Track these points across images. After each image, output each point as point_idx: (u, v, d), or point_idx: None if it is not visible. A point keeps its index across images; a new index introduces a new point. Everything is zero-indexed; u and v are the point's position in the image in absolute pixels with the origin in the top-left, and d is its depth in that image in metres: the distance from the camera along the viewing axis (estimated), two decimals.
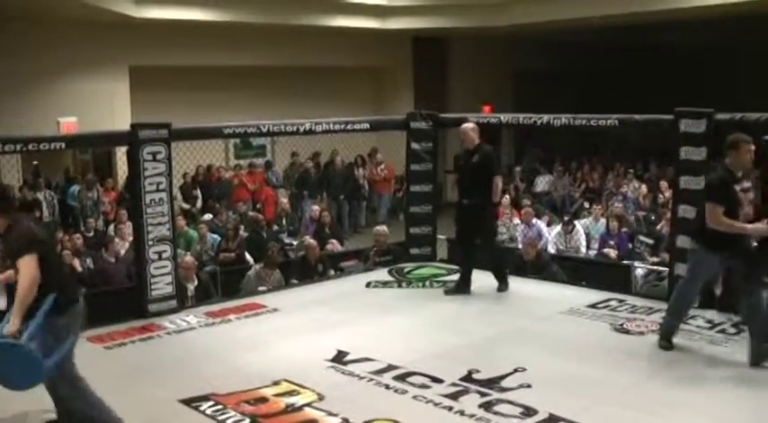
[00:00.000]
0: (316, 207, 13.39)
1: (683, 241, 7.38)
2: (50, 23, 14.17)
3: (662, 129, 8.06)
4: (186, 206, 14.13)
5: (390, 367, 6.11)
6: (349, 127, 9.73)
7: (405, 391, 5.65)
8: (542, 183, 17.48)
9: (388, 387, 5.75)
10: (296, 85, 17.83)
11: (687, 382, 5.78)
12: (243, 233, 11.64)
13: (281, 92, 17.41)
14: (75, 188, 13.83)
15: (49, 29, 14.26)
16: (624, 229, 11.72)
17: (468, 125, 8.54)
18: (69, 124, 13.37)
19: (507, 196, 13.17)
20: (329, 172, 16.64)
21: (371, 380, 5.91)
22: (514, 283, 8.62)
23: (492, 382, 5.76)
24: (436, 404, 5.40)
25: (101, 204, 13.12)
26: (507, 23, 17.36)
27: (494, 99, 16.58)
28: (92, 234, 11.44)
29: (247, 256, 10.96)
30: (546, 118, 8.98)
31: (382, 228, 10.76)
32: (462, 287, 8.47)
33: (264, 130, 9.00)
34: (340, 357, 6.42)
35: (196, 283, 9.09)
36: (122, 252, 9.94)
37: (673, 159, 8.03)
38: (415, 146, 9.93)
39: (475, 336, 7.01)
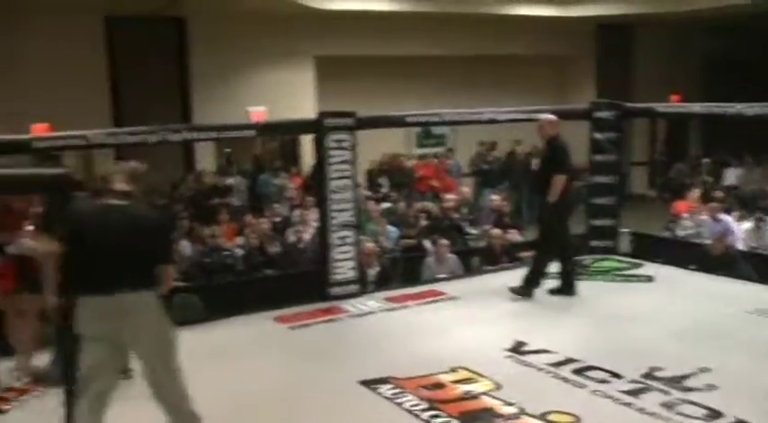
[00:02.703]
0: (496, 197, 13.30)
1: None
2: (240, 17, 14.78)
3: None
4: (370, 194, 14.40)
5: (569, 360, 6.03)
6: (532, 116, 9.62)
7: (583, 385, 5.57)
8: (732, 176, 16.65)
9: (566, 380, 5.69)
10: (475, 75, 17.78)
11: None
12: (423, 221, 11.75)
13: (459, 81, 17.42)
14: (265, 175, 14.39)
15: (239, 22, 14.88)
16: None
17: (545, 118, 8.18)
18: (258, 113, 13.90)
19: (696, 190, 12.66)
20: (510, 162, 16.51)
21: (549, 372, 5.85)
22: (700, 279, 8.27)
23: (675, 381, 5.57)
24: (615, 400, 5.29)
25: (286, 190, 13.58)
26: (694, 8, 16.59)
27: (682, 88, 15.92)
28: (279, 219, 11.87)
29: (427, 243, 11.06)
30: (738, 107, 8.55)
31: None
32: (526, 288, 8.03)
33: (447, 119, 9.07)
34: (518, 347, 6.39)
35: (377, 268, 9.28)
36: (306, 237, 10.26)
37: None
38: (597, 136, 9.71)
39: (657, 332, 6.78)
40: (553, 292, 8.11)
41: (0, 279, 5.88)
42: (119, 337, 4.29)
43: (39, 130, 8.74)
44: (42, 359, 5.90)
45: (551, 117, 8.17)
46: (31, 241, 5.64)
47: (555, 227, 8.01)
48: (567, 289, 8.09)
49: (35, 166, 6.83)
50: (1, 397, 5.62)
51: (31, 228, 5.75)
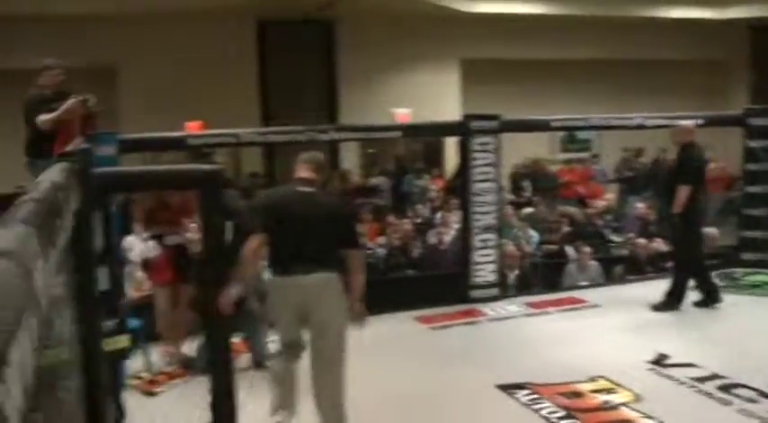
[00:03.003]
0: (641, 204, 12.99)
1: None
2: (387, 20, 14.98)
3: None
4: (512, 197, 14.34)
5: (714, 376, 5.84)
6: (680, 123, 9.35)
7: (729, 403, 5.38)
8: None
9: (710, 396, 5.51)
10: (621, 79, 17.38)
11: None
12: (566, 227, 11.62)
13: (606, 85, 17.06)
14: (408, 176, 14.54)
15: (387, 25, 15.08)
16: None
17: (681, 125, 7.90)
18: (403, 115, 14.08)
19: None
20: (655, 169, 16.07)
21: (693, 387, 5.69)
22: None
23: None
24: (763, 420, 5.08)
25: (429, 192, 13.68)
26: None
27: None
28: (420, 220, 11.98)
29: (569, 249, 10.93)
30: None
31: (712, 230, 10.26)
32: (668, 303, 7.81)
33: (593, 123, 8.93)
34: (661, 360, 6.25)
35: (517, 272, 9.25)
36: (447, 239, 10.32)
37: None
38: (752, 144, 9.35)
39: None
40: (697, 304, 7.87)
41: (158, 271, 6.21)
42: (303, 314, 4.69)
43: (192, 127, 9.16)
44: (190, 347, 6.20)
45: (687, 124, 7.96)
46: (188, 234, 5.94)
47: (685, 239, 7.76)
48: (709, 300, 7.84)
49: (190, 163, 7.18)
50: (153, 380, 5.94)
51: (190, 222, 6.05)
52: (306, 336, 4.78)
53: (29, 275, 1.15)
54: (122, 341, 4.19)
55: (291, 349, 4.84)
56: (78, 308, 2.93)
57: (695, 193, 7.58)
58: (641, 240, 10.36)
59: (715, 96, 18.34)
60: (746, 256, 9.47)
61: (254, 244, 4.73)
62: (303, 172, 4.91)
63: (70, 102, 5.91)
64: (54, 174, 2.54)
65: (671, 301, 7.80)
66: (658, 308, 7.77)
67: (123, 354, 4.48)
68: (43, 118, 5.94)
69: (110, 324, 4.06)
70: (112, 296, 4.07)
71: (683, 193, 7.51)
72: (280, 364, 4.93)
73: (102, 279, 3.87)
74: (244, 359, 6.18)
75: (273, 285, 4.86)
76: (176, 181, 5.37)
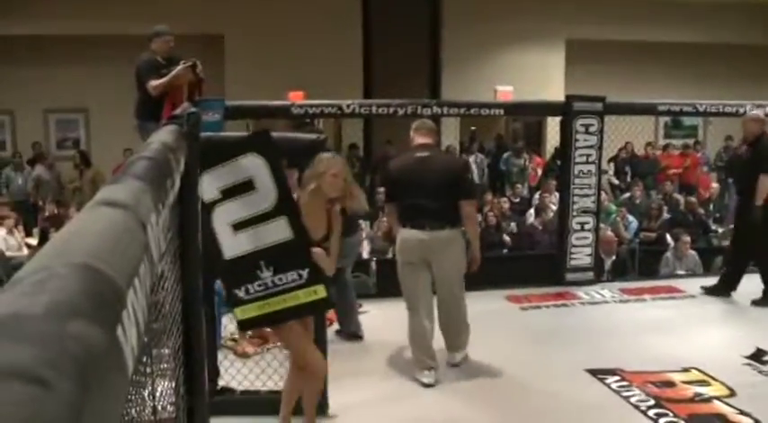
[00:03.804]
0: None
1: None
2: None
3: None
4: (615, 181, 14.11)
5: None
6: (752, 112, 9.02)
7: None
8: None
9: None
10: (733, 65, 16.78)
11: None
12: (666, 214, 11.39)
13: (716, 71, 16.51)
14: (507, 155, 14.45)
15: (494, 2, 14.96)
16: None
17: (750, 115, 7.58)
18: (506, 92, 13.96)
19: None
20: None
21: None
22: None
23: None
24: None
25: (528, 172, 13.58)
26: None
27: None
28: (518, 200, 11.92)
29: (668, 237, 10.72)
30: None
31: None
32: (721, 289, 7.68)
33: (701, 109, 8.69)
34: (759, 356, 6.06)
35: (614, 258, 9.11)
36: (545, 220, 10.24)
37: None
38: None
39: None
40: (756, 302, 7.58)
41: None
42: (428, 263, 5.44)
43: (295, 97, 9.27)
44: None
45: (755, 113, 7.69)
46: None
47: (762, 231, 7.44)
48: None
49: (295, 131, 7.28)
50: (247, 343, 6.07)
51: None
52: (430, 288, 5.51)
53: (143, 229, 1.20)
54: (320, 291, 4.13)
55: (418, 305, 5.44)
56: (181, 266, 3.02)
57: None
58: None
59: None
60: None
61: (388, 215, 5.69)
62: (420, 138, 5.62)
63: (179, 67, 6.08)
64: (164, 135, 2.62)
65: (724, 287, 7.69)
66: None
67: (324, 305, 4.40)
68: (154, 83, 6.13)
69: (302, 274, 4.10)
70: (301, 246, 4.09)
71: (766, 182, 7.25)
72: (413, 323, 5.48)
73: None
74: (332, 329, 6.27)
75: (401, 243, 5.48)
76: (285, 147, 5.47)
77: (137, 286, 0.97)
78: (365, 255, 8.43)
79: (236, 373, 5.12)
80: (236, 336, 6.10)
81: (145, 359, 2.31)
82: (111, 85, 12.34)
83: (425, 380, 5.38)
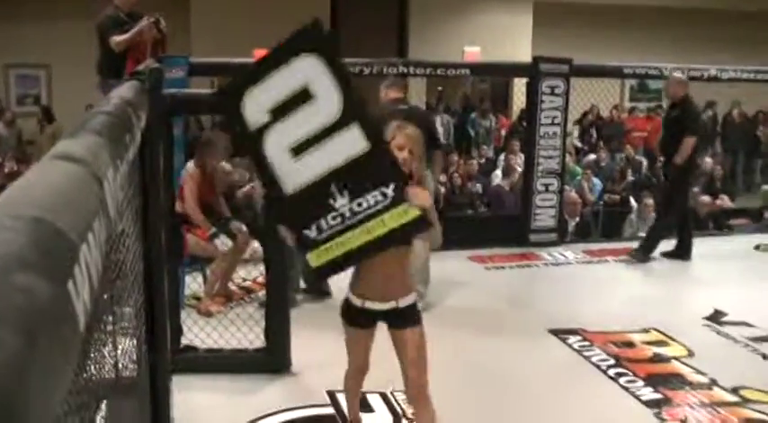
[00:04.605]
0: (708, 159, 12.76)
1: None
2: None
3: None
4: (579, 144, 14.18)
5: None
6: (759, 77, 9.10)
7: None
8: None
9: (765, 357, 5.43)
10: (695, 30, 16.84)
11: None
12: (630, 177, 11.49)
13: (681, 35, 16.58)
14: (474, 115, 14.45)
15: None
16: None
17: (674, 77, 7.75)
18: (473, 53, 13.93)
19: None
20: (726, 124, 15.70)
21: (748, 346, 5.61)
22: None
23: None
24: None
25: (494, 133, 13.60)
26: None
27: None
28: (483, 161, 11.94)
29: (632, 199, 10.82)
30: None
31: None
32: (643, 252, 7.78)
33: (666, 73, 8.72)
34: (716, 317, 6.17)
35: (578, 219, 9.18)
36: (510, 181, 10.28)
37: None
38: None
39: None
40: (666, 254, 7.84)
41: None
42: None
43: (260, 54, 9.13)
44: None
45: (678, 76, 7.82)
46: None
47: (680, 190, 7.75)
48: (683, 253, 7.80)
49: None
50: (210, 301, 6.05)
51: None
52: None
53: (100, 183, 1.18)
54: (412, 211, 3.24)
55: None
56: (143, 224, 2.99)
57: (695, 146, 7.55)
58: (705, 197, 10.17)
59: None
60: None
61: None
62: (393, 93, 5.94)
63: (143, 23, 5.97)
64: (125, 91, 2.58)
65: (646, 249, 7.80)
66: (632, 255, 7.79)
67: (421, 225, 3.29)
68: (117, 39, 6.02)
69: (386, 192, 3.24)
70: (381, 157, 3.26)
71: (689, 143, 7.44)
72: None
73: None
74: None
75: None
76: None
77: (91, 241, 0.95)
78: None
79: (199, 332, 5.11)
80: (200, 294, 6.09)
81: (105, 317, 2.29)
82: (73, 41, 12.12)
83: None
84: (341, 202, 3.26)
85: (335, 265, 3.39)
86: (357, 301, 3.42)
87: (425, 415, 3.46)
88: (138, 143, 2.29)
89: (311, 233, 3.31)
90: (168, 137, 4.59)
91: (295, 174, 3.26)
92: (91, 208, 1.03)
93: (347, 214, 3.27)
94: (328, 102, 3.19)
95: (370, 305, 3.40)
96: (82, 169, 1.13)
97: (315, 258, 3.36)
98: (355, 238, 3.29)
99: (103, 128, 1.56)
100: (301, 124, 3.22)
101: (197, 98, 5.16)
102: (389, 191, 3.24)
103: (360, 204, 3.25)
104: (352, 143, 3.21)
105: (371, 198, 3.24)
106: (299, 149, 3.24)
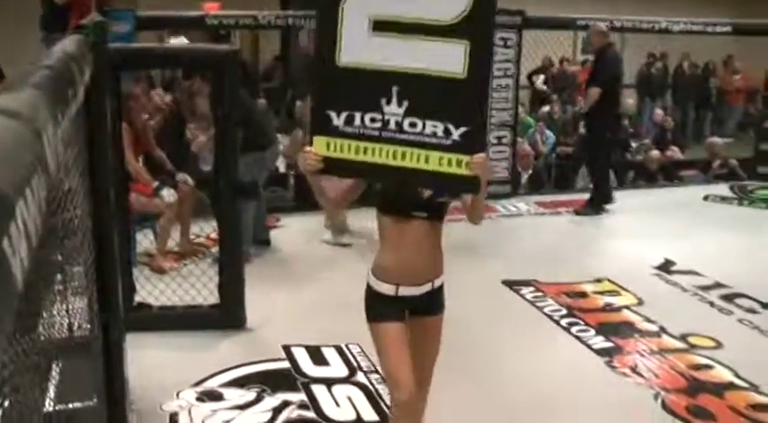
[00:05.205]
0: (659, 111, 12.87)
1: None
2: None
3: None
4: (543, 87, 14.15)
5: (717, 285, 5.88)
6: (709, 29, 9.16)
7: (730, 312, 5.43)
8: None
9: (712, 305, 5.56)
10: None
11: None
12: (582, 130, 11.54)
13: None
14: None
15: None
16: None
17: (594, 27, 7.87)
18: None
19: None
20: (677, 76, 15.81)
21: (696, 294, 5.75)
22: None
23: None
24: (762, 331, 5.13)
25: None
26: None
27: None
28: None
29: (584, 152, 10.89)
30: None
31: (717, 139, 10.18)
32: (593, 207, 7.86)
33: (618, 25, 8.75)
34: (666, 266, 6.29)
35: (531, 171, 9.23)
36: None
37: None
38: None
39: None
40: (577, 212, 7.88)
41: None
42: None
43: (210, 8, 8.99)
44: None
45: (599, 26, 7.88)
46: None
47: (596, 141, 7.84)
48: (595, 205, 7.85)
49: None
50: (164, 258, 6.00)
51: None
52: None
53: (38, 138, 1.15)
54: (469, 169, 2.75)
55: None
56: (91, 181, 2.94)
57: (608, 97, 7.54)
58: (655, 152, 10.28)
59: (752, 4, 17.71)
60: (763, 169, 9.38)
61: None
62: None
63: None
64: (67, 45, 2.51)
65: (595, 204, 7.85)
66: (580, 212, 7.81)
67: (470, 186, 2.81)
68: None
69: (452, 130, 2.70)
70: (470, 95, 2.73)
71: (593, 94, 7.51)
72: None
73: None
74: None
75: None
76: (191, 60, 5.33)
77: (28, 197, 0.92)
78: (282, 169, 8.36)
79: (152, 289, 5.07)
80: (153, 251, 6.03)
81: (54, 277, 2.26)
82: None
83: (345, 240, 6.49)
84: (391, 109, 2.72)
85: (343, 168, 2.84)
86: (389, 290, 2.92)
87: (425, 397, 3.08)
88: (81, 98, 2.23)
89: (336, 119, 2.78)
90: (116, 92, 4.50)
91: (361, 48, 2.71)
92: (29, 163, 1.00)
93: (391, 125, 2.74)
94: (452, 2, 2.63)
95: (404, 292, 2.94)
96: (19, 123, 1.10)
97: (323, 146, 2.80)
98: (385, 155, 2.77)
99: (43, 82, 1.52)
100: (404, 2, 2.67)
101: (144, 52, 5.07)
102: (456, 133, 2.70)
103: (413, 124, 2.72)
104: (448, 59, 2.65)
105: (431, 126, 2.71)
106: (383, 26, 2.68)
